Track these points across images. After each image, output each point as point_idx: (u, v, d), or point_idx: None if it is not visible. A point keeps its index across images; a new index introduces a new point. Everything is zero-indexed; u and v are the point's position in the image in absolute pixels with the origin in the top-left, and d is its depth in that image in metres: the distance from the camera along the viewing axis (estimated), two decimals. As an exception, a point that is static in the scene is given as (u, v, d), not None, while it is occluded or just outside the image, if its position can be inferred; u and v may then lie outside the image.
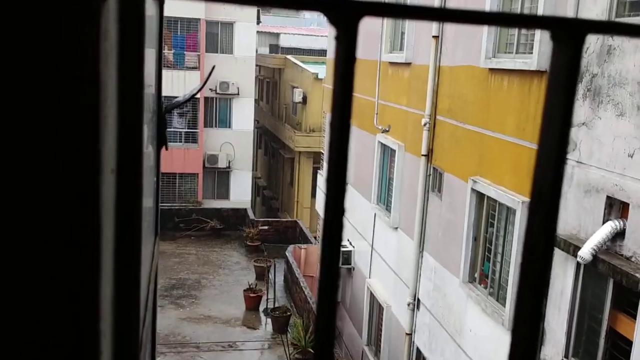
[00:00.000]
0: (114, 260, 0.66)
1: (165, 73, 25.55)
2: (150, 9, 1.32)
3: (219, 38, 26.15)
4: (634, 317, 5.93)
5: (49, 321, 0.52)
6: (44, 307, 0.52)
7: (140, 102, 0.76)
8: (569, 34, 0.43)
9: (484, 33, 8.62)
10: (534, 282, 0.44)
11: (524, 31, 8.07)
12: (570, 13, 6.83)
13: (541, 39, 7.32)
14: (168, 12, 24.13)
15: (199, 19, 25.22)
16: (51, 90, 0.48)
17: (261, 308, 17.57)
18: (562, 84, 0.43)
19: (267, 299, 17.34)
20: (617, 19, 6.29)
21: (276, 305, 17.11)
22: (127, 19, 0.66)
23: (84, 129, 0.50)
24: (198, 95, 25.08)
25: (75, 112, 0.49)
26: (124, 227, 0.69)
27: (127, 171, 0.69)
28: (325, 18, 0.39)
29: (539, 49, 7.33)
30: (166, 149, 1.65)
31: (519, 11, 8.12)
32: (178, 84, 24.51)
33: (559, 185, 0.45)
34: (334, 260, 0.41)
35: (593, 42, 6.52)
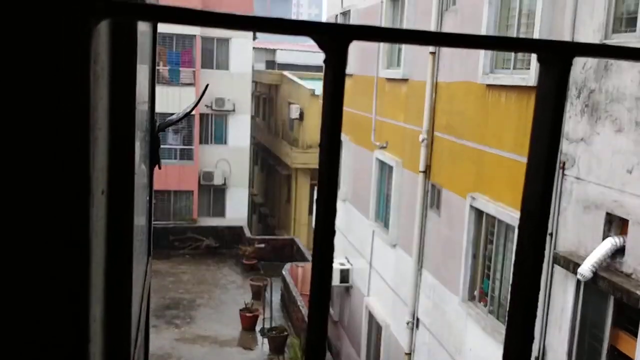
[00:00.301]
0: (105, 281, 0.64)
1: (160, 89, 25.62)
2: (144, 31, 1.28)
3: (214, 54, 26.24)
4: (635, 335, 5.85)
5: (37, 343, 0.52)
6: (31, 330, 0.52)
7: (132, 124, 0.75)
8: (556, 57, 0.44)
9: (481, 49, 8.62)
10: (525, 297, 0.46)
11: (520, 47, 8.07)
12: (567, 29, 6.83)
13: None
14: (163, 28, 24.26)
15: (195, 35, 25.31)
16: (41, 112, 0.48)
17: (257, 328, 17.39)
18: (550, 105, 0.44)
19: (263, 319, 17.18)
20: (614, 35, 6.29)
21: (273, 325, 16.94)
22: (119, 43, 0.66)
23: (73, 150, 0.49)
24: (193, 112, 25.08)
25: (64, 134, 0.49)
26: (116, 248, 0.68)
27: (119, 192, 0.69)
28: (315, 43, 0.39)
29: (537, 65, 7.32)
30: (159, 167, 1.60)
31: (515, 27, 8.14)
32: (173, 100, 24.52)
33: (547, 202, 0.46)
34: (325, 280, 0.42)
35: (590, 58, 6.51)
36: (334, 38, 0.36)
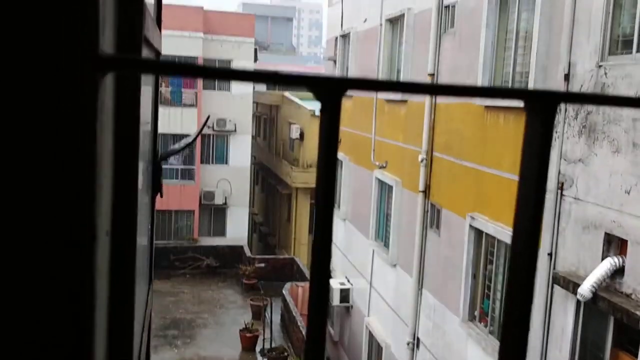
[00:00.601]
0: (108, 319, 0.66)
1: (162, 110, 25.73)
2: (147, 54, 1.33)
3: (216, 76, 26.40)
4: (636, 355, 5.84)
5: None
6: None
7: (135, 166, 0.78)
8: (541, 105, 0.46)
9: (479, 70, 8.72)
10: (518, 315, 0.46)
11: (518, 68, 8.17)
12: (563, 51, 6.92)
13: (535, 77, 7.40)
14: (165, 50, 24.45)
15: (197, 57, 25.53)
16: (47, 165, 0.50)
17: (258, 348, 17.28)
18: (536, 150, 0.46)
19: (263, 339, 17.08)
20: (610, 56, 6.37)
21: (273, 345, 16.83)
22: (124, 88, 0.68)
23: (79, 200, 0.51)
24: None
25: (70, 184, 0.51)
26: (118, 287, 0.69)
27: (122, 232, 0.70)
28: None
29: (534, 86, 7.40)
30: (161, 196, 1.63)
31: (513, 49, 8.23)
32: (175, 121, 24.66)
33: (535, 246, 0.47)
34: (323, 302, 0.43)
35: (587, 79, 6.59)
36: (329, 89, 0.40)
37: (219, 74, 0.41)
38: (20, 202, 0.50)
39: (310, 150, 25.33)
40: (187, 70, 0.41)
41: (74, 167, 0.50)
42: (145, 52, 1.05)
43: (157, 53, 1.56)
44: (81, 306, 0.52)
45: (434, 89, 0.46)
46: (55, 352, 0.53)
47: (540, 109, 0.46)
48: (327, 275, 0.43)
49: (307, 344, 0.43)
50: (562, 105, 6.95)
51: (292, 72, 0.40)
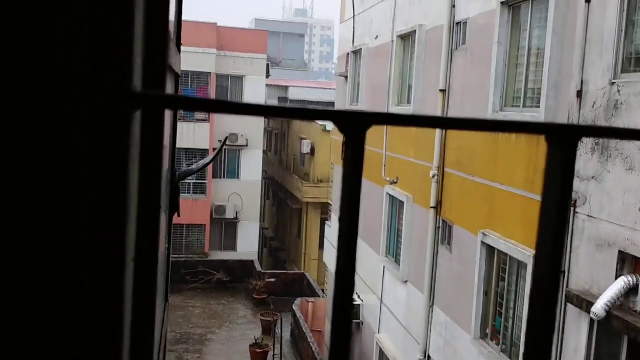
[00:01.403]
0: (131, 343, 0.67)
1: (175, 125, 25.55)
2: (169, 88, 1.35)
3: (229, 91, 26.63)
4: (652, 376, 5.76)
5: None
6: None
7: (158, 198, 0.80)
8: (562, 139, 0.46)
9: (491, 87, 8.72)
10: (539, 338, 0.47)
11: (530, 85, 8.16)
12: (576, 68, 6.91)
13: (547, 94, 7.39)
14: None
15: (210, 73, 25.75)
16: (85, 194, 0.52)
17: (268, 363, 17.19)
18: (557, 184, 0.46)
19: (273, 355, 17.00)
20: (623, 74, 6.35)
21: (283, 360, 16.75)
22: (148, 127, 0.70)
23: (111, 225, 0.53)
24: (207, 147, 25.33)
25: (104, 213, 0.52)
26: (140, 313, 0.70)
27: (145, 259, 0.71)
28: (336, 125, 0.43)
29: (546, 103, 7.39)
30: (178, 215, 1.65)
31: (525, 66, 8.23)
32: (188, 135, 24.82)
33: (557, 278, 0.47)
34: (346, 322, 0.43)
35: (600, 97, 6.57)
36: (354, 123, 0.41)
37: (243, 109, 0.43)
38: (60, 236, 0.51)
39: (321, 165, 25.36)
40: (214, 106, 0.42)
41: (108, 200, 0.52)
42: (168, 79, 1.07)
43: (177, 76, 1.59)
44: (111, 336, 0.53)
45: (454, 123, 0.47)
46: None
47: (561, 144, 0.47)
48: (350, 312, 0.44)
49: None
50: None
51: (318, 108, 0.41)
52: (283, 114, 0.41)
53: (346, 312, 0.42)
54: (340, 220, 0.43)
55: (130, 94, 0.50)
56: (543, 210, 0.48)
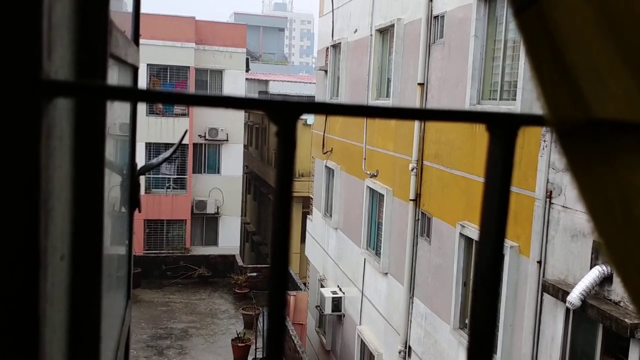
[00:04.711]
0: (68, 342, 0.65)
1: (154, 120, 25.51)
2: (124, 80, 1.34)
3: (208, 85, 26.45)
4: (626, 362, 5.88)
5: None
6: None
7: (99, 193, 0.76)
8: (502, 128, 0.46)
9: (468, 79, 8.79)
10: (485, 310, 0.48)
11: (507, 78, 8.25)
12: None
13: (524, 86, 7.47)
14: (158, 60, 24.52)
15: (189, 67, 25.55)
16: None
17: (250, 358, 17.20)
18: (498, 171, 0.46)
19: (255, 349, 17.01)
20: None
21: (265, 355, 16.77)
22: (83, 115, 0.67)
23: (21, 229, 0.50)
24: (187, 142, 25.18)
25: (13, 210, 0.50)
26: (81, 312, 0.69)
27: (85, 254, 0.69)
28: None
29: (522, 95, 7.48)
30: (139, 211, 1.65)
31: (501, 59, 8.31)
32: (167, 130, 24.63)
33: (498, 266, 0.47)
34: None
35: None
36: (284, 113, 0.41)
37: (169, 97, 0.43)
38: None
39: (302, 159, 25.34)
40: (136, 95, 0.42)
41: (13, 192, 0.49)
42: (116, 70, 1.05)
43: (134, 68, 1.58)
44: (26, 338, 0.51)
45: (394, 112, 0.47)
46: None
47: (502, 133, 0.47)
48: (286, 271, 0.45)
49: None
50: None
51: (247, 96, 0.42)
52: (211, 103, 0.42)
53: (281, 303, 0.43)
54: (273, 213, 0.44)
55: (37, 81, 0.48)
56: (485, 198, 0.49)
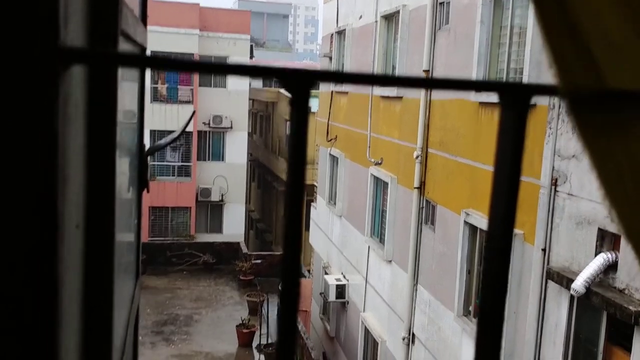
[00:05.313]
0: (83, 312, 0.66)
1: (159, 107, 25.50)
2: (130, 48, 1.34)
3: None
4: (629, 350, 5.88)
5: None
6: None
7: (111, 164, 0.78)
8: (514, 98, 0.46)
9: (474, 66, 8.74)
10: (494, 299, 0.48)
11: (512, 64, 8.19)
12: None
13: (529, 73, 7.42)
14: (162, 47, 24.44)
15: (193, 54, 25.48)
16: (4, 157, 0.50)
17: (254, 344, 17.32)
18: (510, 145, 0.46)
19: (260, 335, 17.12)
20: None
21: (270, 340, 16.87)
22: (97, 78, 0.68)
23: (40, 194, 0.51)
24: (191, 129, 25.17)
25: (31, 175, 0.50)
26: (94, 282, 0.69)
27: (98, 225, 0.70)
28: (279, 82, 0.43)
29: (528, 81, 7.41)
30: (147, 191, 1.65)
31: (507, 45, 8.25)
32: (171, 117, 24.63)
33: (509, 239, 0.48)
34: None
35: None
36: (298, 81, 0.41)
37: (181, 65, 0.42)
38: None
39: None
40: (146, 61, 0.42)
41: (33, 158, 0.50)
42: (126, 47, 1.06)
43: (142, 49, 1.57)
44: (45, 297, 0.52)
45: (406, 82, 0.47)
46: (15, 345, 0.52)
47: (514, 102, 0.46)
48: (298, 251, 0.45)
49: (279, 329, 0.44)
50: (556, 102, 6.97)
51: (260, 64, 0.41)
52: (224, 71, 0.41)
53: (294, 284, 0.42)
54: (286, 184, 0.43)
55: (55, 48, 0.49)
56: (496, 171, 0.48)
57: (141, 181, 1.55)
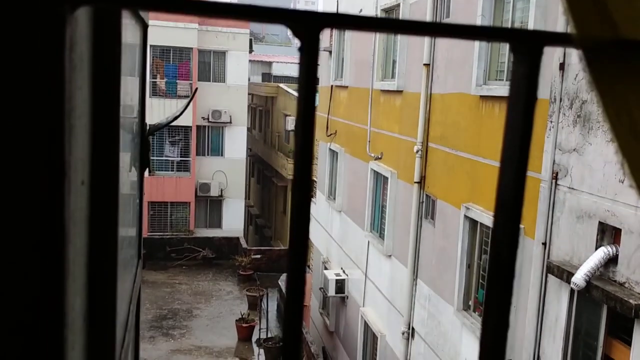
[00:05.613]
0: (87, 273, 0.65)
1: (157, 101, 25.49)
2: (134, 36, 1.32)
3: (211, 67, 26.34)
4: (629, 343, 5.88)
5: (10, 332, 0.51)
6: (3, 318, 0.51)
7: (116, 114, 0.76)
8: (527, 46, 0.45)
9: (475, 61, 8.71)
10: (500, 289, 0.46)
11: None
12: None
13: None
14: (160, 41, 24.39)
15: (192, 48, 25.42)
16: (11, 100, 0.49)
17: (254, 338, 17.33)
18: (523, 94, 0.45)
19: (260, 329, 17.13)
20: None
21: (269, 335, 16.89)
22: (101, 31, 0.66)
23: (46, 137, 0.50)
24: (190, 124, 25.13)
25: (37, 120, 0.50)
26: (99, 240, 0.68)
27: (102, 185, 0.68)
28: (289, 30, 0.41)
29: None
30: (149, 172, 1.63)
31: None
32: (171, 112, 24.52)
33: (520, 194, 0.47)
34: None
35: (582, 69, 6.59)
36: (307, 25, 0.39)
37: (197, 7, 0.40)
38: None
39: (306, 141, 25.29)
40: (160, 2, 0.40)
41: (40, 104, 0.49)
42: (132, 21, 1.04)
43: (145, 25, 1.56)
44: (50, 247, 0.51)
45: (417, 27, 0.45)
46: (22, 302, 0.51)
47: (526, 51, 0.45)
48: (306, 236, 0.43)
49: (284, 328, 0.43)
50: (558, 96, 6.95)
51: (269, 5, 0.39)
52: (229, 14, 0.39)
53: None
54: (295, 134, 0.42)
55: None
56: (508, 121, 0.47)
57: (143, 160, 1.53)
